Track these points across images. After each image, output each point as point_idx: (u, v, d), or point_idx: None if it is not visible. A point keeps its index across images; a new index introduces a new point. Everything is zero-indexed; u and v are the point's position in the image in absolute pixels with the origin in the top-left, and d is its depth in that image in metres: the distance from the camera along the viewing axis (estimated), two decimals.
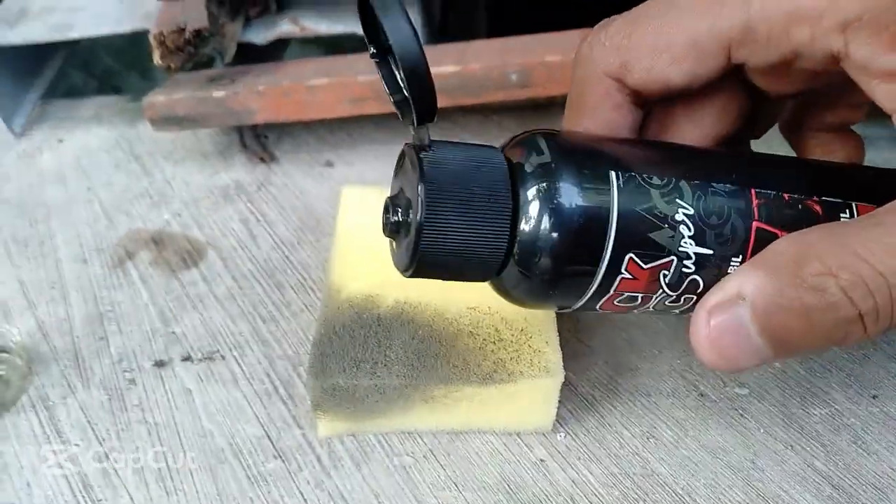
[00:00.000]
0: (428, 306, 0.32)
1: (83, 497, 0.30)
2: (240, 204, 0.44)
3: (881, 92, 0.22)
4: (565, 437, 0.32)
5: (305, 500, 0.30)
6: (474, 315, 0.31)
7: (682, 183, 0.24)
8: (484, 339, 0.30)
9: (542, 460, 0.31)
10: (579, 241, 0.24)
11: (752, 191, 0.25)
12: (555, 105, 0.44)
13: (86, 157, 0.48)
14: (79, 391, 0.34)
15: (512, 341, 0.30)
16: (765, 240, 0.24)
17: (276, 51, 0.51)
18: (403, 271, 0.26)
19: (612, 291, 0.25)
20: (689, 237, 0.24)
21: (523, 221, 0.24)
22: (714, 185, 0.25)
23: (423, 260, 0.24)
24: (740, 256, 0.24)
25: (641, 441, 0.31)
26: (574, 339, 0.35)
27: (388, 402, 0.30)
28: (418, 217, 0.23)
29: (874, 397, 0.32)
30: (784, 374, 0.33)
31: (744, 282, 0.22)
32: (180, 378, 0.35)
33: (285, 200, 0.44)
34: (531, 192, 0.24)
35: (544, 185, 0.24)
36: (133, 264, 0.40)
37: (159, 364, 0.35)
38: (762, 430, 0.31)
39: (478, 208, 0.24)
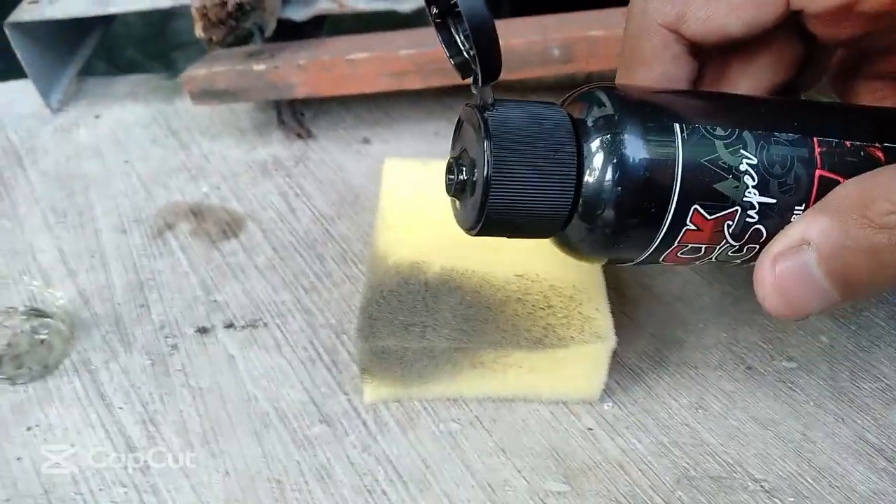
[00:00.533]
0: (475, 273, 0.32)
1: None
2: (278, 178, 0.44)
3: None
4: (612, 406, 0.31)
5: (353, 464, 0.30)
6: (522, 282, 0.31)
7: (746, 133, 0.24)
8: (533, 306, 0.30)
9: (589, 429, 0.31)
10: (644, 194, 0.23)
11: (815, 139, 0.25)
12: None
13: (122, 132, 0.48)
14: (121, 356, 0.34)
15: (561, 307, 0.30)
16: (828, 187, 0.24)
17: (312, 29, 0.51)
18: (469, 229, 0.26)
19: (676, 244, 0.25)
20: (753, 187, 0.24)
21: (588, 175, 0.24)
22: (777, 134, 0.24)
23: (490, 217, 0.24)
24: (803, 205, 0.24)
25: (690, 412, 0.31)
26: (619, 312, 0.35)
27: (437, 367, 0.30)
28: (485, 175, 0.23)
29: None
30: (832, 349, 0.33)
31: (808, 227, 0.22)
32: (223, 344, 0.35)
33: (323, 175, 0.44)
34: (595, 145, 0.24)
35: (608, 138, 0.24)
36: (173, 235, 0.40)
37: (202, 331, 0.35)
38: (812, 403, 0.31)
39: (543, 164, 0.24)
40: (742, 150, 0.24)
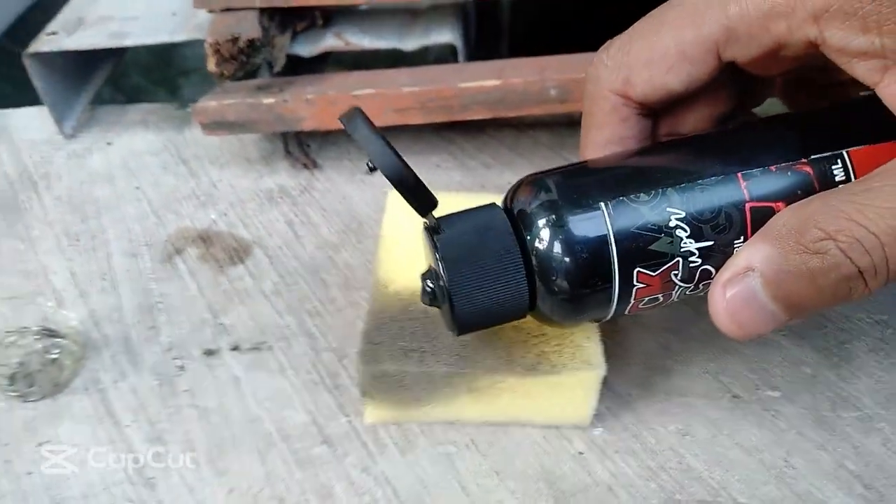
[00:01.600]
0: None
1: (135, 475, 0.32)
2: (284, 207, 0.45)
3: (860, 70, 0.24)
4: (603, 432, 0.33)
5: (353, 484, 0.31)
6: None
7: (669, 191, 0.26)
8: (527, 333, 0.32)
9: (580, 453, 0.32)
10: (587, 270, 0.26)
11: (739, 175, 0.26)
12: None
13: (133, 159, 0.50)
14: (130, 376, 0.36)
15: (554, 336, 0.32)
16: (762, 215, 0.25)
17: (317, 64, 0.53)
18: (453, 333, 0.29)
19: (633, 300, 0.27)
20: (688, 237, 0.26)
21: (536, 262, 0.27)
22: (700, 182, 0.26)
23: (461, 321, 0.28)
24: (741, 237, 0.26)
25: (677, 438, 0.32)
26: (610, 341, 0.36)
27: (434, 391, 0.31)
28: (446, 288, 0.27)
29: None
30: (814, 379, 0.34)
31: (752, 254, 0.24)
32: (229, 366, 0.36)
33: (328, 204, 0.45)
34: (536, 235, 0.26)
35: (545, 227, 0.26)
36: (181, 259, 0.42)
37: (208, 353, 0.37)
38: (794, 431, 0.32)
39: (493, 267, 0.27)
40: (668, 208, 0.26)
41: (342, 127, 0.45)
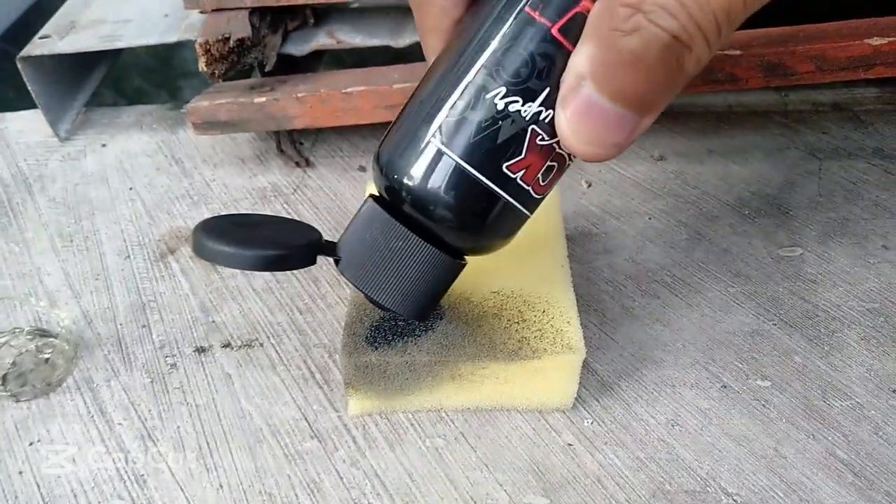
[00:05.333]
0: (453, 291, 0.33)
1: (126, 472, 0.32)
2: (277, 205, 0.46)
3: None
4: (592, 423, 0.33)
5: (342, 478, 0.31)
6: (498, 298, 0.33)
7: (475, 78, 0.25)
8: (508, 320, 0.32)
9: (569, 444, 0.32)
10: (466, 200, 0.26)
11: (526, 9, 0.24)
12: None
13: (128, 160, 0.50)
14: (122, 374, 0.36)
15: (535, 321, 0.32)
16: (576, 27, 0.23)
17: (311, 63, 0.53)
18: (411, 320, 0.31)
19: (528, 186, 0.26)
20: (522, 105, 0.24)
21: (424, 222, 0.27)
22: (496, 45, 0.24)
23: (409, 312, 0.29)
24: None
25: (666, 428, 0.32)
26: (600, 332, 0.36)
27: (418, 380, 0.32)
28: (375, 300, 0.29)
29: (894, 391, 0.33)
30: (805, 368, 0.34)
31: (577, 63, 0.22)
32: (220, 363, 0.36)
33: (320, 202, 0.46)
34: (405, 204, 0.27)
35: (405, 193, 0.26)
36: (174, 258, 0.42)
37: (200, 350, 0.37)
38: (784, 421, 0.32)
39: (396, 254, 0.27)
40: (486, 95, 0.24)
41: (333, 124, 0.45)
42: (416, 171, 0.26)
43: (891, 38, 0.40)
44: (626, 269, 0.40)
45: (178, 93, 0.73)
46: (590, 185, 0.46)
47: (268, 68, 0.48)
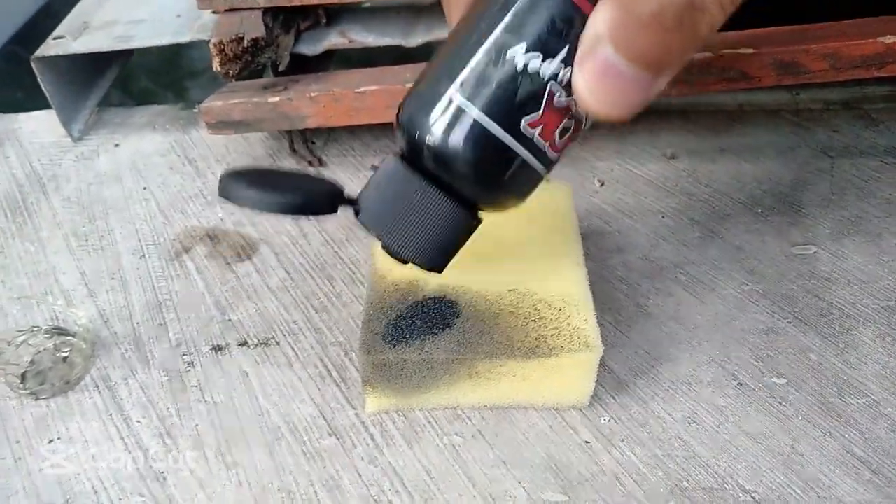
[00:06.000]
0: (469, 289, 0.33)
1: (145, 470, 0.32)
2: None
3: None
4: (609, 420, 0.33)
5: (360, 475, 0.31)
6: (514, 296, 0.33)
7: (498, 36, 0.25)
8: (525, 318, 0.32)
9: (587, 442, 0.32)
10: (485, 156, 0.26)
11: None
12: None
13: (141, 160, 0.51)
14: (139, 372, 0.36)
15: (551, 319, 0.32)
16: None
17: (321, 63, 0.53)
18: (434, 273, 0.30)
19: (545, 145, 0.27)
20: (542, 62, 0.25)
21: (445, 178, 0.27)
22: (519, 4, 0.25)
23: (428, 262, 0.29)
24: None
25: (683, 426, 0.32)
26: (615, 330, 0.36)
27: (435, 378, 0.32)
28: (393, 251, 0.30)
29: None
30: (820, 366, 0.34)
31: (596, 23, 0.23)
32: (237, 361, 0.36)
33: None
34: (427, 159, 0.27)
35: (425, 149, 0.27)
36: (189, 257, 0.42)
37: (216, 349, 0.37)
38: (800, 418, 0.32)
39: (415, 205, 0.28)
40: (508, 52, 0.25)
41: (346, 124, 0.46)
42: (437, 126, 0.26)
43: None
44: (639, 267, 0.40)
45: (184, 93, 0.73)
46: (602, 184, 0.46)
47: (281, 68, 0.48)
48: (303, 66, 0.50)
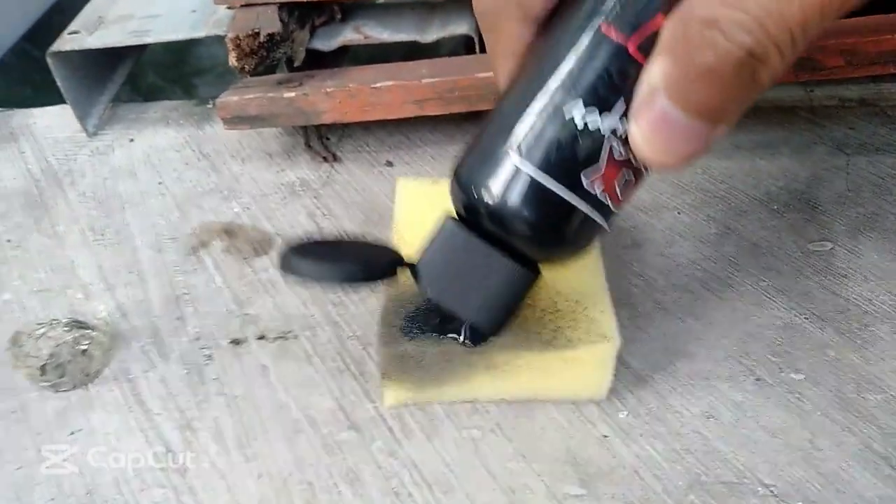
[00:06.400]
0: None
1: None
2: (306, 199, 0.46)
3: None
4: (627, 415, 0.33)
5: (380, 468, 0.31)
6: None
7: (555, 91, 0.25)
8: (542, 310, 0.32)
9: (605, 436, 0.32)
10: (546, 214, 0.26)
11: (601, 25, 0.24)
12: None
13: (156, 155, 0.51)
14: (159, 366, 0.36)
15: (569, 311, 0.32)
16: (650, 44, 0.23)
17: (335, 58, 0.53)
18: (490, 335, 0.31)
19: (606, 199, 0.26)
20: (599, 116, 0.25)
21: (506, 237, 0.27)
22: (574, 60, 0.25)
23: (489, 326, 0.30)
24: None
25: (701, 420, 0.32)
26: (633, 325, 0.36)
27: (453, 370, 0.32)
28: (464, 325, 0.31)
29: None
30: (838, 362, 0.34)
31: (652, 76, 0.23)
32: (256, 355, 0.36)
33: (349, 197, 0.46)
34: (486, 220, 0.27)
35: (484, 209, 0.27)
36: (206, 252, 0.42)
37: (235, 342, 0.37)
38: (819, 413, 0.32)
39: (477, 270, 0.28)
40: (565, 108, 0.25)
41: (361, 119, 0.46)
42: (496, 186, 0.26)
43: None
44: (655, 263, 0.40)
45: (192, 90, 0.73)
46: None
47: (297, 63, 0.48)
48: (318, 62, 0.51)
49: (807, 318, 0.36)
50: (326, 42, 0.50)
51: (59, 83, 0.50)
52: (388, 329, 0.32)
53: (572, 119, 0.25)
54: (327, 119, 0.46)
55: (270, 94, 0.45)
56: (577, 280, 0.33)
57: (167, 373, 0.36)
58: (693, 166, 0.46)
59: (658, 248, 0.41)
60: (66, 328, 0.38)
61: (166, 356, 0.37)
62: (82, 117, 0.53)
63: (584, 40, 0.25)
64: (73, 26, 0.53)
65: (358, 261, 0.28)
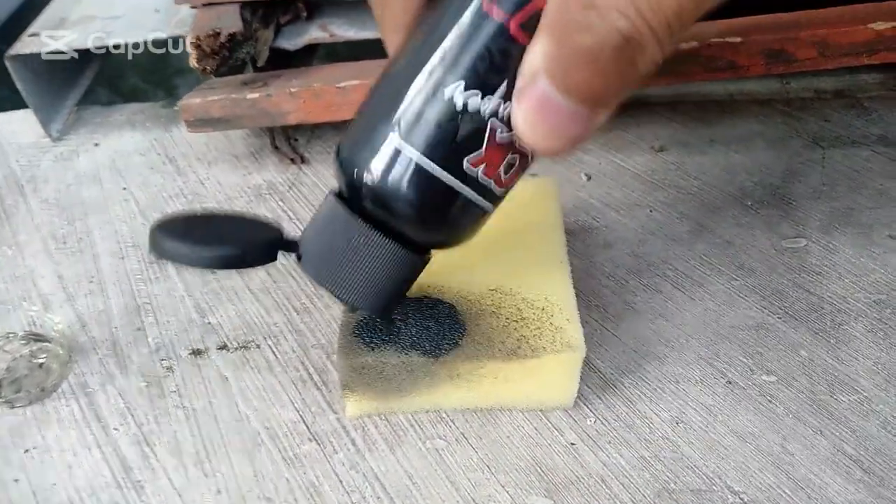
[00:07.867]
0: (451, 289, 0.32)
1: (123, 479, 0.31)
2: (272, 202, 0.45)
3: None
4: (595, 421, 0.32)
5: (341, 481, 0.31)
6: (496, 296, 0.32)
7: (434, 72, 0.24)
8: (507, 319, 0.31)
9: (572, 444, 0.31)
10: (427, 196, 0.25)
11: (483, 2, 0.23)
12: None
13: (120, 160, 0.50)
14: (117, 378, 0.35)
15: (534, 319, 0.31)
16: (534, 22, 0.22)
17: (304, 57, 0.52)
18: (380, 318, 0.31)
19: (489, 181, 0.26)
20: (481, 99, 0.24)
21: (386, 219, 0.26)
22: (453, 39, 0.24)
23: (371, 307, 0.28)
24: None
25: (671, 426, 0.32)
26: (601, 328, 0.36)
27: (415, 380, 0.31)
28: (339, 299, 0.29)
29: None
30: (811, 363, 0.34)
31: (532, 58, 0.22)
32: (217, 366, 0.35)
33: (316, 199, 0.45)
34: (365, 200, 0.26)
35: (365, 189, 0.26)
36: None
37: (196, 353, 0.36)
38: (791, 416, 0.32)
39: (356, 250, 0.27)
40: (445, 89, 0.24)
41: (327, 119, 0.45)
42: (376, 167, 0.25)
43: (894, 23, 0.40)
44: (627, 262, 0.39)
45: (174, 90, 0.72)
46: (589, 178, 0.45)
47: (260, 63, 0.47)
48: (287, 62, 0.50)
49: (780, 318, 0.36)
50: (292, 41, 0.49)
51: (20, 87, 0.49)
52: (349, 339, 0.31)
53: (453, 101, 0.24)
54: (292, 120, 0.45)
55: (234, 96, 0.44)
56: (542, 287, 0.32)
57: (126, 386, 0.35)
58: (667, 163, 0.46)
59: (630, 248, 0.40)
60: (22, 341, 0.37)
61: (125, 368, 0.36)
62: (45, 122, 0.52)
63: (466, 17, 0.23)
64: (33, 27, 0.52)
65: (235, 242, 0.27)
